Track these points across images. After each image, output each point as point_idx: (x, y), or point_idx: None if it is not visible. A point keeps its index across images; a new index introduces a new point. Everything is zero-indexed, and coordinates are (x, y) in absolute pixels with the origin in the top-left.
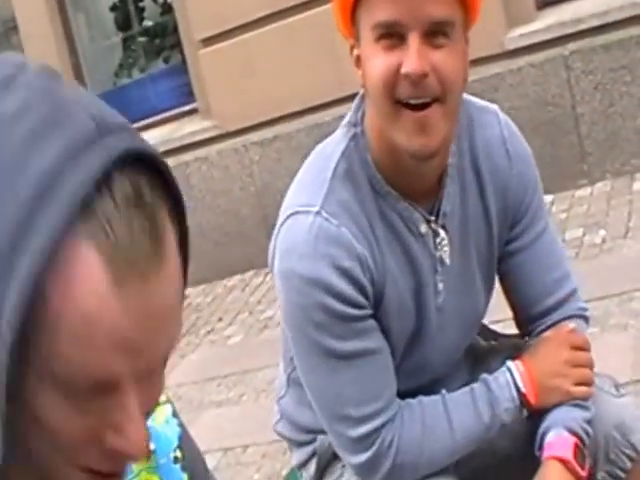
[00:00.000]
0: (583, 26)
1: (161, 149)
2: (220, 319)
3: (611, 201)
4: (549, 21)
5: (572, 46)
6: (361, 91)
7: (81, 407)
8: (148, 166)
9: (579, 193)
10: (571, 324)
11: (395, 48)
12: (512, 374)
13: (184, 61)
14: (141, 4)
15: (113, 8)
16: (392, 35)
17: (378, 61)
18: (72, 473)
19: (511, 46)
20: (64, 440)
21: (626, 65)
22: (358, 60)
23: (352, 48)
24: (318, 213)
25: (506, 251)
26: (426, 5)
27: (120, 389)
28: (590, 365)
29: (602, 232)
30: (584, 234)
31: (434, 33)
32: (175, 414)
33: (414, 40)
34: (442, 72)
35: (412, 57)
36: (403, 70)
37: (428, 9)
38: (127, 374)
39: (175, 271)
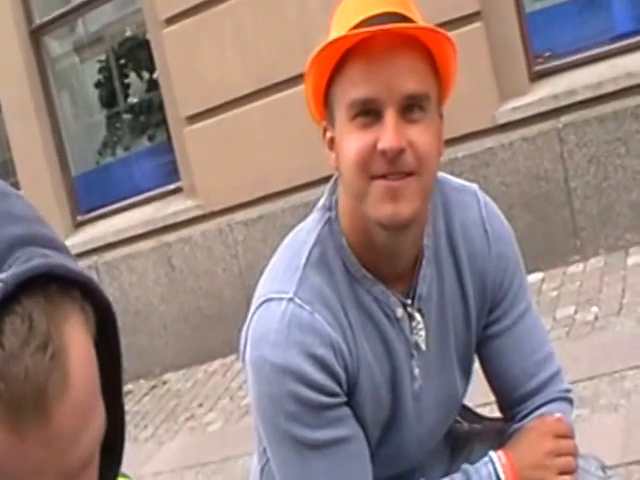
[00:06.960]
0: (577, 98)
1: (144, 230)
2: (200, 405)
3: (604, 277)
4: (542, 94)
5: (565, 119)
6: (335, 175)
7: None
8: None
9: (571, 269)
10: (557, 413)
11: (371, 126)
12: (494, 466)
13: (169, 139)
14: (126, 81)
15: (98, 85)
16: (368, 112)
17: (354, 139)
18: None
19: (503, 120)
20: None
21: (620, 137)
22: (331, 142)
23: (325, 131)
24: (291, 300)
25: (485, 335)
26: (401, 80)
27: None
28: (573, 453)
29: (594, 309)
30: (576, 312)
31: (410, 107)
32: None
33: (390, 116)
34: (418, 147)
35: (389, 133)
36: (380, 146)
37: (403, 84)
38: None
39: (84, 383)
